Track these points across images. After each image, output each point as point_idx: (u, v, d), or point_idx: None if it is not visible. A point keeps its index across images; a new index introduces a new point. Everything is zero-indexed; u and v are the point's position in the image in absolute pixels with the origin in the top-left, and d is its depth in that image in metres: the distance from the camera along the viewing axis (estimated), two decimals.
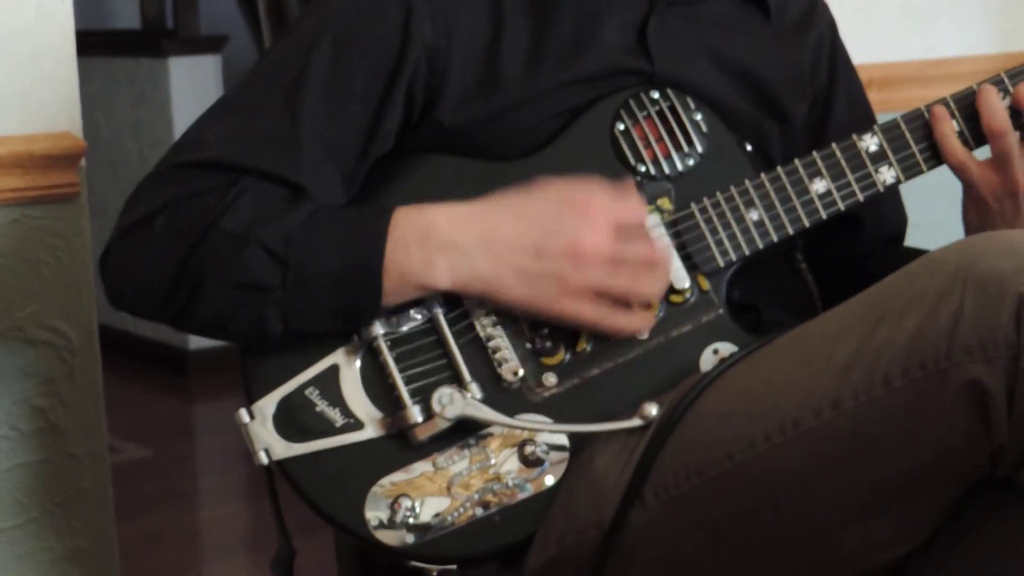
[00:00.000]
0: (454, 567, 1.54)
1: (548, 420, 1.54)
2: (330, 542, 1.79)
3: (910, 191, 1.75)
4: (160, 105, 5.19)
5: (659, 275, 1.54)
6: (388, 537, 1.52)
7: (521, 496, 1.53)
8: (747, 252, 1.59)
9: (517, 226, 1.51)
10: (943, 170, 1.65)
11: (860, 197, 1.60)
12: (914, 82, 2.66)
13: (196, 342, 5.06)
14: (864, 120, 1.77)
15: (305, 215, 1.51)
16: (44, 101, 1.95)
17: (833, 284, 1.70)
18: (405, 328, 1.54)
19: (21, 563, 1.98)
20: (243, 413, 1.54)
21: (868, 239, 1.80)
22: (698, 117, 1.61)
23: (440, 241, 1.50)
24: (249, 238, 1.49)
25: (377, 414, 1.53)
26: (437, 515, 1.52)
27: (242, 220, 1.50)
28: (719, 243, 1.58)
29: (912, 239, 1.84)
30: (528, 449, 1.53)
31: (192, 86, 5.12)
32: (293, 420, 1.53)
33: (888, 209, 1.81)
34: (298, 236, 1.50)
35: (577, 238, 1.50)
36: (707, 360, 1.57)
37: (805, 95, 1.75)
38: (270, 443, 1.53)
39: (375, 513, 1.52)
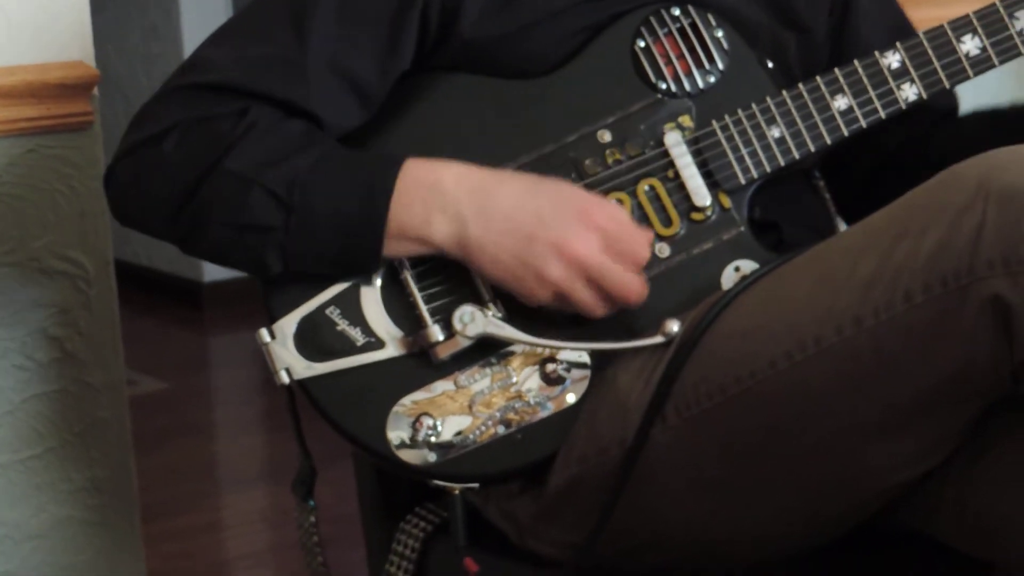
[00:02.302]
0: (476, 485, 1.55)
1: (569, 338, 1.53)
2: (348, 473, 1.79)
3: None
4: (172, 38, 5.18)
5: (622, 305, 1.53)
6: (410, 456, 1.52)
7: (543, 414, 1.53)
8: (768, 170, 1.58)
9: (519, 206, 1.50)
10: (969, 87, 1.64)
11: (882, 114, 1.59)
12: (931, 1, 2.63)
13: (211, 275, 5.06)
14: (889, 13, 1.76)
15: (312, 159, 1.50)
16: (56, 30, 1.95)
17: (885, 178, 1.69)
18: None
19: (40, 493, 1.98)
20: (264, 333, 1.54)
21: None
22: (719, 34, 1.60)
23: (443, 199, 1.50)
24: (254, 180, 1.49)
25: (398, 333, 1.53)
26: (459, 433, 1.52)
27: (249, 160, 1.50)
28: (740, 160, 1.58)
29: None
30: (550, 367, 1.53)
31: (203, 17, 5.11)
32: (314, 339, 1.53)
33: None
34: (303, 181, 1.49)
35: (567, 238, 1.49)
36: (728, 277, 1.56)
37: (822, 1, 1.74)
38: (291, 362, 1.53)
39: (397, 432, 1.52)
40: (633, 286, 1.52)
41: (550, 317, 1.54)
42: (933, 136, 1.76)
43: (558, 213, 1.50)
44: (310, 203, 1.49)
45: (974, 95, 1.81)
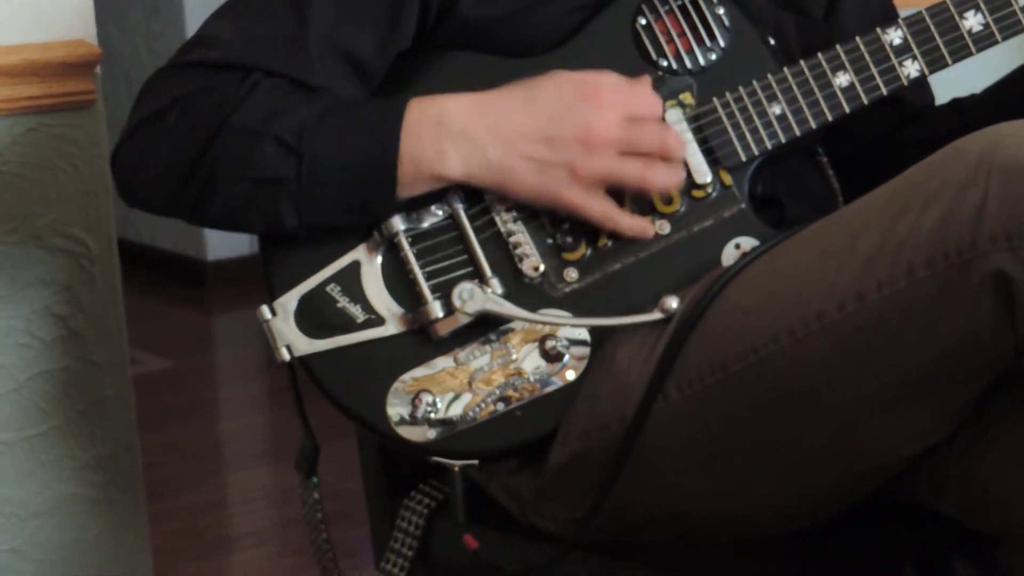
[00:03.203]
0: (475, 462, 1.55)
1: (569, 315, 1.53)
2: (351, 450, 1.79)
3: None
4: (173, 16, 5.18)
5: (673, 165, 1.53)
6: (410, 432, 1.53)
7: (542, 391, 1.53)
8: (769, 147, 1.57)
9: (527, 114, 1.50)
10: (968, 65, 1.63)
11: (884, 91, 1.59)
12: None
13: (214, 253, 5.06)
14: (877, 6, 1.76)
15: (320, 107, 1.50)
16: (58, 9, 1.95)
17: (867, 166, 1.69)
18: (426, 224, 1.54)
19: (45, 470, 1.99)
20: (265, 310, 1.54)
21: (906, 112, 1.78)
22: (720, 11, 1.60)
23: (452, 129, 1.50)
24: (263, 132, 1.49)
25: (398, 310, 1.53)
26: (458, 410, 1.52)
27: (256, 115, 1.50)
28: (741, 138, 1.57)
29: None
30: (549, 344, 1.53)
31: None
32: (314, 316, 1.53)
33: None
34: (312, 128, 1.49)
35: (587, 124, 1.50)
36: (729, 255, 1.56)
37: None
38: (292, 339, 1.53)
39: (397, 408, 1.53)
40: (667, 136, 1.52)
41: (551, 292, 1.54)
42: (904, 130, 1.76)
43: (565, 105, 1.50)
44: (320, 150, 1.49)
45: (981, 72, 1.80)
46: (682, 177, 1.55)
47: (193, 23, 5.07)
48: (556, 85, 1.52)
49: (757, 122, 1.57)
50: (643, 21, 1.59)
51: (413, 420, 1.52)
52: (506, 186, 1.51)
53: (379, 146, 1.50)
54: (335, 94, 1.53)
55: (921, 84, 1.67)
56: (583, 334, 1.53)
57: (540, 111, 1.50)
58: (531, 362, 1.53)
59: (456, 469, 1.54)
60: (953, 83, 1.81)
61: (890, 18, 1.69)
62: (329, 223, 1.52)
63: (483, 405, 1.53)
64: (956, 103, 1.77)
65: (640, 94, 1.53)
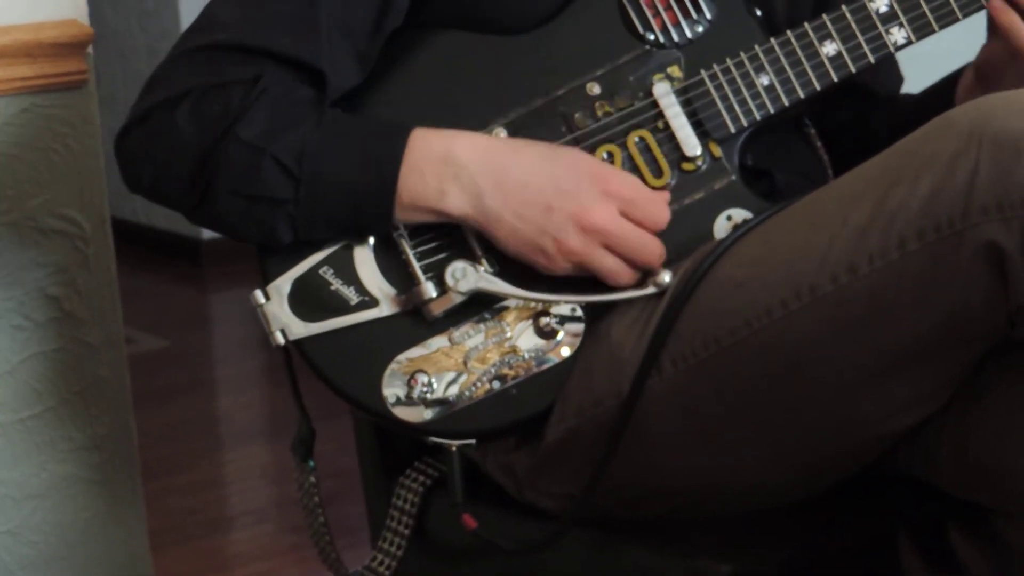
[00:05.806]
0: (472, 442, 1.55)
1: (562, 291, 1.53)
2: (349, 428, 1.80)
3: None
4: None
5: (644, 267, 1.53)
6: (406, 413, 1.53)
7: (537, 368, 1.53)
8: (758, 117, 1.57)
9: (534, 175, 1.51)
10: (948, 34, 1.63)
11: (871, 59, 1.59)
12: None
13: (210, 232, 5.05)
14: None
15: (321, 129, 1.50)
16: None
17: (838, 149, 1.69)
18: None
19: (41, 452, 1.99)
20: (258, 294, 1.54)
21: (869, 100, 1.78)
22: None
23: (456, 169, 1.50)
24: (264, 150, 1.49)
25: (391, 291, 1.54)
26: (454, 390, 1.53)
27: (258, 129, 1.49)
28: (729, 109, 1.57)
29: None
30: (543, 321, 1.53)
31: None
32: (308, 299, 1.53)
33: (888, 67, 1.80)
34: (313, 151, 1.49)
35: (585, 207, 1.49)
36: (721, 227, 1.56)
37: None
38: (286, 323, 1.53)
39: (392, 390, 1.53)
40: (653, 248, 1.52)
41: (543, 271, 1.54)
42: (873, 115, 1.76)
43: (574, 182, 1.50)
44: (319, 174, 1.49)
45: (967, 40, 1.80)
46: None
47: (186, 1, 5.05)
48: (574, 160, 1.52)
49: (745, 93, 1.57)
50: None
51: (409, 401, 1.53)
52: (494, 235, 1.51)
53: (379, 176, 1.50)
54: (336, 82, 1.53)
55: (891, 70, 1.67)
56: (577, 311, 1.53)
57: (550, 179, 1.50)
58: (526, 340, 1.53)
59: (453, 449, 1.55)
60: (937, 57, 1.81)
61: None
62: (323, 239, 1.53)
63: (479, 384, 1.53)
64: (932, 88, 1.76)
65: (649, 200, 1.53)
